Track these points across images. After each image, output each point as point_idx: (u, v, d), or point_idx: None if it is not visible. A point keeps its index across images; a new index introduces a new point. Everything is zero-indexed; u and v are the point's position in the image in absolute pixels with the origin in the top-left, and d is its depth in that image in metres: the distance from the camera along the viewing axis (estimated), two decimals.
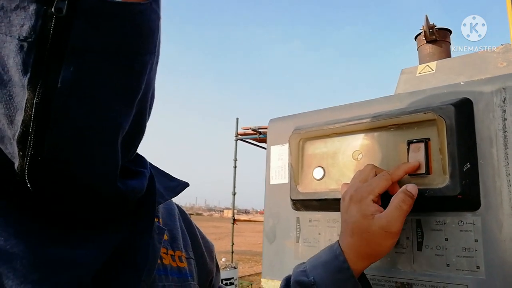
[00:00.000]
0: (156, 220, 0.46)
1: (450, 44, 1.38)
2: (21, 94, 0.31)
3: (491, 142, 0.59)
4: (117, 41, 0.34)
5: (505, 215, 0.56)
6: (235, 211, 9.76)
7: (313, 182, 0.75)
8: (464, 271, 0.58)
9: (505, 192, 0.57)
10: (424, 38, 1.34)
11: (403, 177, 0.61)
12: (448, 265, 0.60)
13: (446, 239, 0.61)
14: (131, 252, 0.40)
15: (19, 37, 0.30)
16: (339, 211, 0.65)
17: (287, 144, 0.82)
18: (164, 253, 0.50)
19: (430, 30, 1.30)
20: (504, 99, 0.59)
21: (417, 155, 0.62)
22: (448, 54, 1.34)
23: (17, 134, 0.31)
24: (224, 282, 6.63)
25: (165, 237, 0.51)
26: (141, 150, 0.48)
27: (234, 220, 9.22)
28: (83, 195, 0.37)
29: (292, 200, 0.78)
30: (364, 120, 0.69)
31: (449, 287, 0.59)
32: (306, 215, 0.79)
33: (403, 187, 0.58)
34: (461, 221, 0.60)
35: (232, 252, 8.95)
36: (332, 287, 0.57)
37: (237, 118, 9.09)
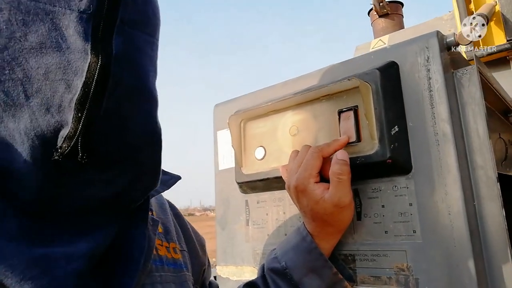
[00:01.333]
0: (150, 212, 0.47)
1: (402, 16, 1.38)
2: (81, 59, 0.33)
3: (418, 103, 0.58)
4: (146, 18, 0.38)
5: (435, 176, 0.55)
6: None
7: (255, 163, 0.74)
8: (401, 237, 0.57)
9: (434, 152, 0.56)
10: (376, 13, 1.33)
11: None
12: (386, 232, 0.59)
13: (383, 206, 0.60)
14: (127, 243, 0.41)
15: (78, 9, 0.32)
16: (283, 189, 0.65)
17: None
18: (159, 244, 0.50)
19: (381, 4, 1.29)
20: (428, 57, 0.58)
21: (347, 123, 0.61)
22: (401, 27, 1.34)
23: (76, 97, 0.33)
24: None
25: (160, 229, 0.51)
26: None
27: None
28: (127, 161, 0.38)
29: (238, 183, 0.77)
30: (297, 95, 0.67)
31: (389, 254, 0.58)
32: (254, 197, 0.78)
33: (333, 158, 0.57)
34: (395, 186, 0.59)
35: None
36: (304, 269, 0.58)
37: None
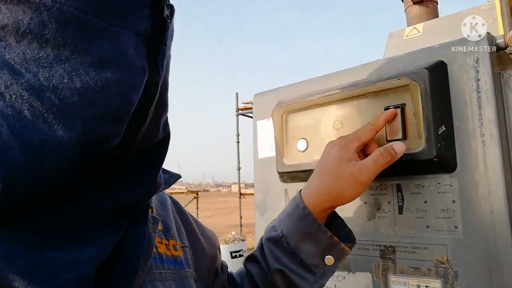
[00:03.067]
0: (150, 210, 0.47)
1: (437, 3, 1.36)
2: (139, 77, 0.36)
3: (465, 104, 0.60)
4: (173, 35, 0.42)
5: (480, 175, 0.58)
6: (242, 185, 9.86)
7: (297, 154, 0.77)
8: (443, 232, 0.60)
9: (480, 153, 0.58)
10: (410, 0, 1.32)
11: (382, 143, 0.63)
12: (428, 226, 0.62)
13: (425, 202, 0.62)
14: (127, 242, 0.41)
15: (137, 31, 0.36)
16: None
17: None
18: (159, 242, 0.51)
19: None
20: (477, 59, 0.59)
21: (394, 120, 0.63)
22: (435, 15, 1.32)
23: (132, 110, 0.36)
24: (233, 254, 6.75)
25: (159, 227, 0.52)
26: None
27: (241, 194, 9.33)
28: (147, 168, 0.43)
29: (278, 172, 0.80)
30: (342, 90, 0.69)
31: (430, 248, 0.61)
32: (293, 186, 0.81)
33: (390, 143, 0.59)
34: (439, 183, 0.61)
35: (241, 225, 9.10)
36: (299, 235, 0.59)
37: (237, 93, 9.04)
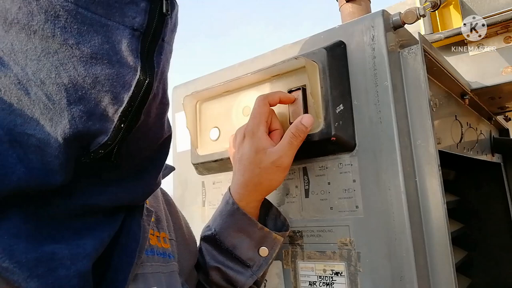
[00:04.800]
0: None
1: (370, 1, 1.39)
2: (130, 75, 0.34)
3: (363, 82, 0.59)
4: (175, 30, 0.40)
5: (377, 153, 0.57)
6: None
7: (210, 144, 0.74)
8: (345, 212, 0.59)
9: (377, 131, 0.57)
10: None
11: (285, 126, 0.61)
12: (331, 208, 0.60)
13: (329, 183, 0.61)
14: (123, 234, 0.41)
15: (132, 26, 0.34)
16: None
17: None
18: (151, 234, 0.50)
19: None
20: (373, 37, 0.59)
21: (296, 102, 0.61)
22: (368, 11, 1.34)
23: (121, 109, 0.34)
24: None
25: (152, 218, 0.51)
26: None
27: None
28: (145, 166, 0.42)
29: (193, 164, 0.77)
30: (248, 75, 0.67)
31: (334, 230, 0.60)
32: (210, 178, 0.78)
33: (298, 118, 0.57)
34: (340, 163, 0.60)
35: None
36: (231, 231, 0.59)
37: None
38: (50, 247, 0.34)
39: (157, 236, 0.52)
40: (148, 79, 0.35)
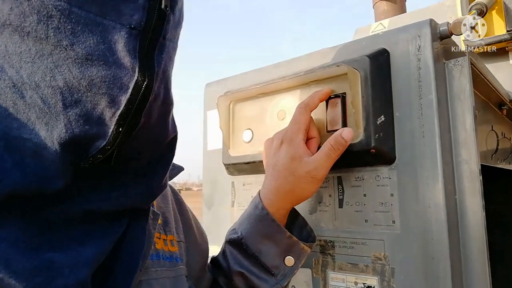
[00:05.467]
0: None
1: (405, 0, 1.35)
2: (128, 76, 0.33)
3: (406, 93, 0.57)
4: (179, 28, 0.39)
5: (418, 168, 0.55)
6: None
7: (243, 145, 0.73)
8: (381, 226, 0.58)
9: (419, 145, 0.55)
10: None
11: (322, 133, 0.60)
12: (366, 221, 0.59)
13: (365, 195, 0.60)
14: (126, 240, 0.40)
15: (129, 25, 0.32)
16: None
17: None
18: (157, 237, 0.49)
19: None
20: (419, 46, 0.57)
21: (334, 110, 0.60)
22: (403, 10, 1.31)
23: (118, 112, 0.33)
24: None
25: (159, 221, 0.50)
26: None
27: None
28: (149, 170, 0.41)
29: (224, 164, 0.77)
30: (286, 79, 0.66)
31: (368, 243, 0.59)
32: (240, 179, 0.78)
33: (339, 131, 0.56)
34: (378, 176, 0.59)
35: (203, 221, 9.06)
36: (258, 236, 0.57)
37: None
38: (48, 255, 0.33)
39: (164, 240, 0.51)
40: (146, 80, 0.33)
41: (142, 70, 0.33)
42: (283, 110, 0.68)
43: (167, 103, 0.38)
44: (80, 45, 0.31)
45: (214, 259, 0.64)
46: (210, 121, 0.86)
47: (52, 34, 0.31)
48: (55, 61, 0.31)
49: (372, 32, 1.23)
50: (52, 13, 0.30)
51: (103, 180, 0.37)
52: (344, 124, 0.59)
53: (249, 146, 0.72)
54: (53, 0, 0.30)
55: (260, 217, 0.58)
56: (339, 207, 0.62)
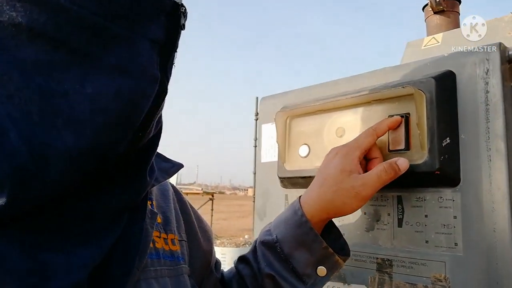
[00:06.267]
0: (149, 203, 0.47)
1: (459, 14, 1.32)
2: (151, 86, 0.35)
3: (473, 116, 0.57)
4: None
5: (484, 191, 0.55)
6: None
7: (299, 160, 0.75)
8: (442, 248, 0.58)
9: (485, 168, 0.55)
10: (431, 9, 1.28)
11: (384, 153, 0.61)
12: (427, 241, 0.59)
13: (426, 216, 0.60)
14: (123, 239, 0.40)
15: (153, 40, 0.35)
16: None
17: None
18: (157, 236, 0.50)
19: (437, 0, 1.24)
20: (487, 70, 0.57)
21: (397, 130, 0.60)
22: (456, 25, 1.29)
23: (140, 119, 0.35)
24: None
25: (159, 220, 0.51)
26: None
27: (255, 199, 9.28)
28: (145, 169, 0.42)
29: (279, 177, 0.78)
30: (347, 96, 0.67)
31: (428, 264, 0.59)
32: (294, 192, 0.79)
33: (394, 158, 0.57)
34: (441, 197, 0.59)
35: (253, 230, 9.07)
36: (294, 242, 0.57)
37: (257, 97, 9.05)
38: (44, 256, 0.33)
39: (164, 238, 0.51)
40: (164, 89, 0.36)
41: (163, 80, 0.36)
42: (342, 127, 0.69)
43: (163, 106, 0.40)
44: (109, 56, 0.33)
45: (243, 257, 0.64)
46: (264, 134, 0.88)
47: (84, 45, 0.32)
48: (85, 70, 0.32)
49: (425, 46, 1.22)
50: (86, 25, 0.32)
51: (104, 180, 0.38)
52: (407, 144, 0.59)
53: (305, 161, 0.74)
54: (89, 13, 0.32)
55: (298, 223, 0.58)
56: (398, 226, 0.62)
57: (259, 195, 0.86)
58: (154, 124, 0.40)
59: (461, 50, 0.61)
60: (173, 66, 0.38)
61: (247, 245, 6.70)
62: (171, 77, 0.40)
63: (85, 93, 0.32)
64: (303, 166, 0.74)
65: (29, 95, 0.31)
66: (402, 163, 0.56)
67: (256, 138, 9.30)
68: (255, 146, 9.25)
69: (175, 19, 0.37)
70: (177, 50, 0.38)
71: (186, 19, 0.39)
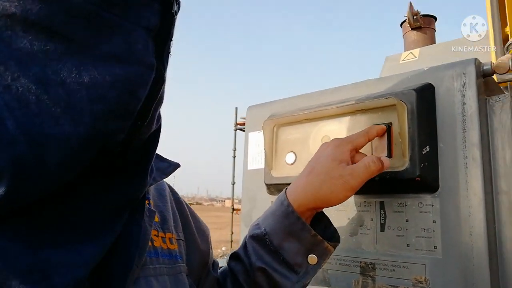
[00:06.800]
0: (146, 202, 0.47)
1: (435, 30, 1.39)
2: (147, 74, 0.35)
3: (450, 126, 0.61)
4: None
5: (461, 197, 0.58)
6: (236, 200, 9.80)
7: (285, 167, 0.77)
8: (422, 251, 0.61)
9: (462, 175, 0.59)
10: (408, 25, 1.35)
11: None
12: (408, 245, 0.62)
13: (407, 220, 0.63)
14: (122, 237, 0.40)
15: (147, 27, 0.35)
16: None
17: None
18: (155, 235, 0.50)
19: (415, 17, 1.31)
20: (464, 83, 0.61)
21: (380, 139, 0.64)
22: (433, 41, 1.35)
23: (137, 108, 0.35)
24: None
25: (156, 219, 0.51)
26: None
27: (234, 210, 9.28)
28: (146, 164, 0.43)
29: (266, 184, 0.81)
30: (332, 106, 0.70)
31: (409, 267, 0.61)
32: None
33: (378, 156, 0.59)
34: (421, 203, 0.62)
35: (232, 241, 9.03)
36: (282, 233, 0.58)
37: (236, 108, 9.09)
38: (46, 253, 0.33)
39: (162, 237, 0.51)
40: (161, 77, 0.37)
41: (159, 68, 0.36)
42: (327, 135, 0.72)
43: (161, 98, 0.40)
44: (105, 45, 0.33)
45: (234, 254, 0.64)
46: (251, 142, 0.90)
47: (79, 33, 0.32)
48: (81, 59, 0.32)
49: (403, 60, 1.27)
50: (80, 14, 0.32)
51: (105, 177, 0.38)
52: (389, 152, 0.63)
53: (292, 168, 0.76)
54: (82, 2, 0.32)
55: (285, 213, 0.58)
56: (380, 231, 0.65)
57: (246, 201, 0.88)
58: (155, 117, 0.41)
59: (441, 64, 0.65)
60: (170, 55, 0.39)
61: (225, 257, 6.65)
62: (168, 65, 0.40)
63: (82, 82, 0.32)
64: (289, 173, 0.76)
65: (26, 84, 0.31)
66: (386, 160, 0.58)
67: (235, 148, 9.32)
68: (234, 157, 9.27)
69: (167, 6, 0.37)
70: (173, 38, 0.39)
71: (179, 7, 0.39)
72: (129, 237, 0.41)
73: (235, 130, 9.17)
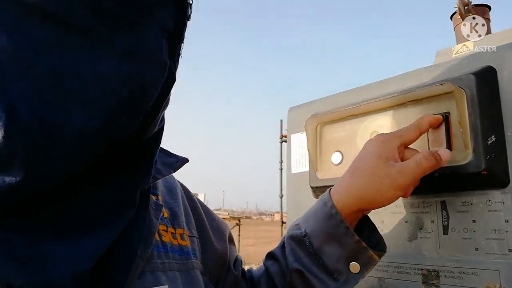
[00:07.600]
0: (154, 197, 0.47)
1: (489, 21, 1.29)
2: (160, 72, 0.36)
3: None
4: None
5: None
6: (286, 214, 9.72)
7: (332, 168, 0.72)
8: (495, 255, 0.53)
9: None
10: (460, 17, 1.25)
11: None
12: (477, 249, 0.55)
13: (474, 221, 0.55)
14: (126, 229, 0.40)
15: (162, 27, 0.36)
16: None
17: None
18: (164, 230, 0.49)
19: (466, 8, 1.21)
20: None
21: (437, 130, 0.57)
22: (488, 32, 1.25)
23: (149, 104, 0.36)
24: None
25: (165, 214, 0.51)
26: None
27: (283, 223, 9.18)
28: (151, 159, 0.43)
29: (311, 187, 0.76)
30: (380, 99, 0.65)
31: (479, 273, 0.54)
32: None
33: (435, 149, 0.53)
34: (489, 200, 0.54)
35: None
36: (323, 235, 0.54)
37: (281, 120, 9.08)
38: (47, 245, 0.33)
39: (172, 233, 0.49)
40: (172, 77, 0.38)
41: (171, 68, 0.37)
42: (376, 131, 0.66)
43: (169, 100, 0.41)
44: (120, 41, 0.33)
45: (271, 253, 0.61)
46: (293, 145, 0.86)
47: (96, 28, 0.33)
48: (96, 53, 0.33)
49: (456, 54, 1.18)
50: (98, 9, 0.32)
51: (108, 171, 0.38)
52: (449, 144, 0.56)
53: (338, 168, 0.71)
54: None
55: (328, 215, 0.54)
56: (443, 234, 0.58)
57: (291, 207, 0.83)
58: (162, 115, 0.42)
59: (501, 45, 0.58)
60: (180, 56, 0.40)
61: None
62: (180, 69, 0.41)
63: (96, 75, 0.33)
64: (336, 174, 0.71)
65: (41, 74, 0.31)
66: (444, 153, 0.52)
67: (281, 160, 9.27)
68: (281, 169, 9.21)
69: (182, 9, 0.38)
70: (184, 40, 0.40)
71: (192, 11, 0.40)
72: (133, 230, 0.40)
73: (281, 143, 9.14)
